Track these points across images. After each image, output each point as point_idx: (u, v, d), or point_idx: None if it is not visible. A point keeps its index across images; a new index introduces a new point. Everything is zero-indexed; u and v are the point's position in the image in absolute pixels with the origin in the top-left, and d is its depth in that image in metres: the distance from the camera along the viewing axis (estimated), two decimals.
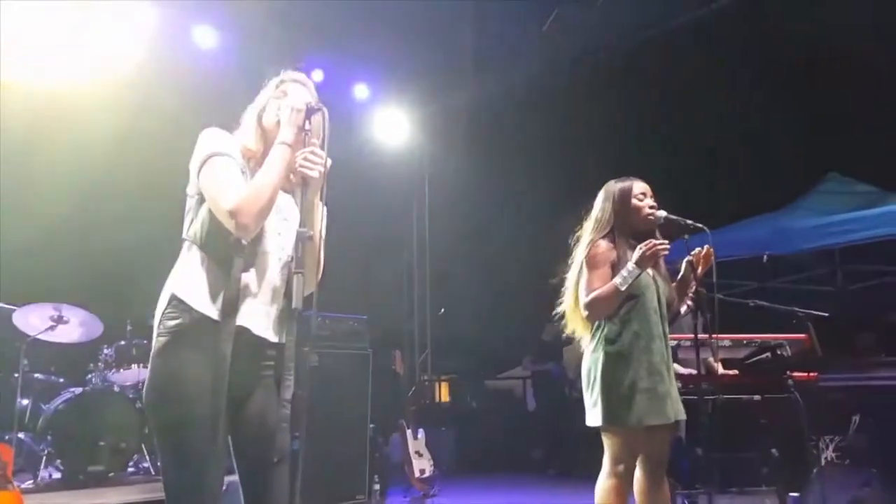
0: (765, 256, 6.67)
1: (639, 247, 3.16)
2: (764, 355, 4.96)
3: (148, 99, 6.94)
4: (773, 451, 4.90)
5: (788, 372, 4.81)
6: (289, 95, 2.36)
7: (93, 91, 6.77)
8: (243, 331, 2.14)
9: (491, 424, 9.32)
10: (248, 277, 2.18)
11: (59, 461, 4.94)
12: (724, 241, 7.24)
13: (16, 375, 5.10)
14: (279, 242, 2.28)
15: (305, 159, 2.16)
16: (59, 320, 5.31)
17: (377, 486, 6.42)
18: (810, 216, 6.87)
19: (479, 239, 13.19)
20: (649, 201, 3.42)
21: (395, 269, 10.76)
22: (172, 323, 2.11)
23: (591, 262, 3.31)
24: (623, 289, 3.16)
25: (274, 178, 2.15)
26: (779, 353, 4.90)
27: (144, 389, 2.14)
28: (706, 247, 3.51)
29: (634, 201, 3.40)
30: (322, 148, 2.21)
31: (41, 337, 5.26)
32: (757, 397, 4.67)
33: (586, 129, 11.90)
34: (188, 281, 2.17)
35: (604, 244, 3.33)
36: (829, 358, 6.59)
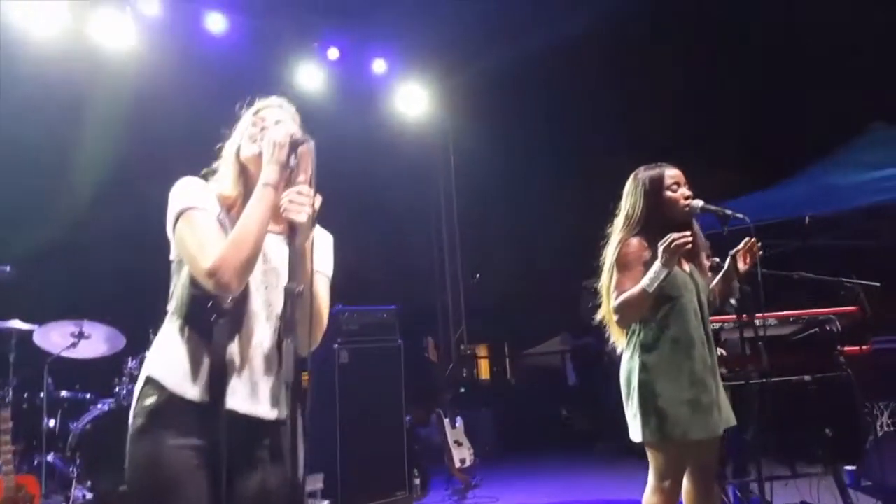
0: (807, 218, 6.34)
1: (659, 244, 2.89)
2: (812, 331, 4.71)
3: (163, 97, 6.74)
4: (827, 430, 4.66)
5: (839, 347, 4.56)
6: (268, 127, 2.07)
7: (105, 91, 6.62)
8: (226, 411, 1.90)
9: (532, 401, 9.16)
10: (233, 346, 1.93)
11: (89, 482, 4.88)
12: (765, 202, 6.97)
13: (41, 395, 5.03)
14: (265, 298, 2.01)
15: (291, 201, 1.87)
16: (81, 336, 5.22)
17: (417, 481, 6.31)
18: (853, 171, 6.52)
19: (509, 208, 12.99)
20: (684, 190, 3.12)
21: (425, 242, 10.57)
22: (148, 402, 1.90)
23: (622, 263, 3.05)
24: (651, 290, 2.90)
25: (256, 227, 1.88)
26: (828, 328, 4.64)
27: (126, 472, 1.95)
28: (750, 240, 3.22)
29: (668, 193, 3.10)
30: (310, 185, 1.92)
31: (64, 354, 5.18)
32: (807, 377, 4.39)
33: (612, 93, 11.60)
34: (166, 358, 1.94)
35: (635, 242, 3.06)
36: (880, 320, 6.33)
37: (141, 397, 1.92)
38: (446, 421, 6.49)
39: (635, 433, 3.02)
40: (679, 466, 3.02)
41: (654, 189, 3.11)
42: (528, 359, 11.36)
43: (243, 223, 1.89)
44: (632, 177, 3.24)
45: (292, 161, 1.95)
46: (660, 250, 2.86)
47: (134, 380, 5.31)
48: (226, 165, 2.09)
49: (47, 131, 6.33)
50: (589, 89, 11.48)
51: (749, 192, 7.59)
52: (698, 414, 2.92)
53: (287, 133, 1.97)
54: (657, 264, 2.88)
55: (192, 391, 1.88)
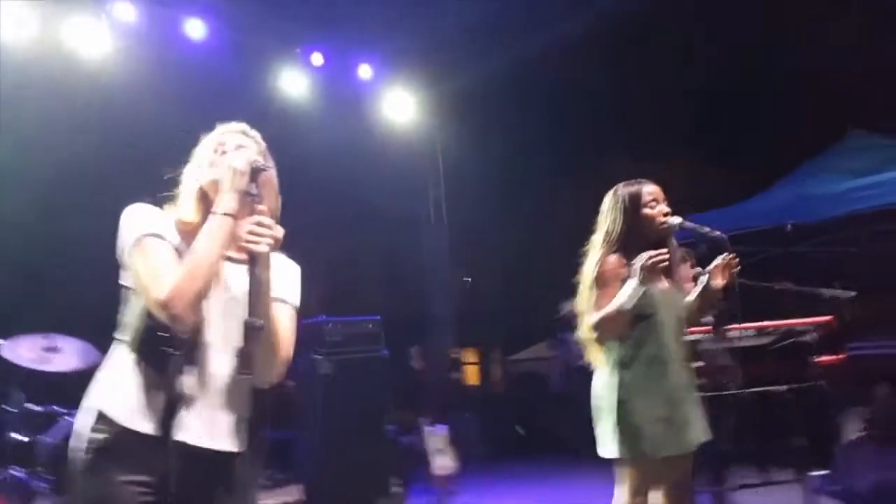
0: (788, 226, 6.38)
1: (635, 261, 2.90)
2: (788, 341, 4.74)
3: (140, 105, 6.69)
4: (800, 439, 4.69)
5: (814, 358, 4.60)
6: (228, 153, 1.98)
7: (79, 98, 6.58)
8: (180, 445, 1.82)
9: (518, 407, 9.18)
10: (189, 379, 1.85)
11: (58, 498, 4.80)
12: (747, 211, 7.02)
13: (7, 408, 4.96)
14: (224, 329, 1.91)
15: (251, 232, 1.79)
16: (53, 350, 5.16)
17: (399, 489, 6.32)
18: (834, 180, 6.57)
19: (499, 214, 13.00)
20: (662, 207, 3.11)
21: (414, 248, 10.56)
22: (98, 437, 1.82)
23: (601, 280, 3.05)
24: (628, 308, 2.92)
25: (210, 257, 1.80)
26: (803, 339, 4.67)
27: None
28: (727, 256, 3.21)
29: (646, 210, 3.09)
30: (271, 215, 1.86)
31: (37, 368, 5.12)
32: (783, 387, 4.42)
33: (603, 96, 11.64)
34: (117, 391, 1.86)
35: (613, 260, 3.05)
36: (857, 327, 6.37)
37: (89, 432, 1.85)
38: (429, 429, 6.48)
39: (606, 449, 3.03)
40: (648, 485, 3.02)
41: (633, 206, 3.11)
42: (516, 364, 11.36)
43: (197, 253, 1.81)
44: (611, 193, 3.23)
45: (253, 189, 1.87)
46: (636, 267, 2.88)
47: None
48: (185, 191, 2.00)
49: (18, 138, 6.27)
50: (579, 92, 11.51)
51: (738, 190, 7.66)
52: (671, 431, 2.94)
53: (247, 160, 1.89)
54: (633, 281, 2.89)
55: (144, 426, 1.81)
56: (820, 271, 7.68)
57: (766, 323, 4.69)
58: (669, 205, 3.17)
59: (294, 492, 5.66)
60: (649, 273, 2.88)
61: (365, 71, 8.84)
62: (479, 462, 7.88)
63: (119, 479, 1.79)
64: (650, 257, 2.85)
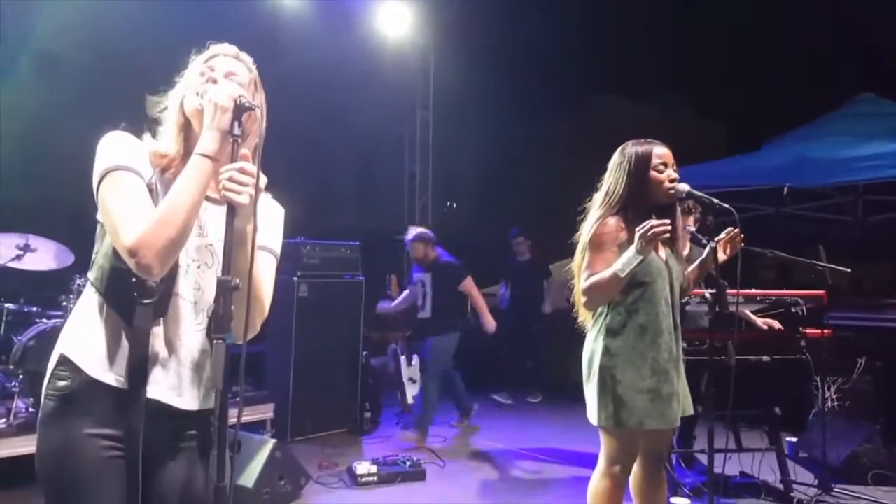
0: (785, 189, 6.24)
1: (637, 230, 2.74)
2: (778, 311, 4.68)
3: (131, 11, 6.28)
4: (777, 409, 4.70)
5: (802, 330, 4.55)
6: (217, 79, 1.81)
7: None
8: (147, 400, 1.71)
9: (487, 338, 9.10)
10: (157, 331, 1.72)
11: (31, 399, 4.74)
12: (746, 168, 6.86)
13: None
14: (196, 280, 1.78)
15: (231, 179, 1.62)
16: (27, 249, 5.01)
17: (368, 414, 6.31)
18: (837, 145, 6.38)
19: (487, 139, 12.73)
20: (670, 172, 2.93)
21: (396, 169, 10.29)
22: (61, 384, 1.70)
23: (596, 243, 2.90)
24: (623, 276, 2.78)
25: (187, 204, 1.63)
26: (793, 310, 4.60)
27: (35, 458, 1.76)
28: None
29: (653, 173, 2.92)
30: (253, 161, 1.67)
31: (9, 265, 4.98)
32: (765, 358, 4.37)
33: (604, 24, 11.29)
34: (82, 337, 1.73)
35: (612, 222, 2.90)
36: (840, 297, 6.35)
37: (53, 378, 1.72)
38: (402, 358, 6.44)
39: (592, 415, 2.96)
40: (631, 453, 2.99)
41: (640, 167, 2.93)
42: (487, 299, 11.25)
43: (173, 198, 1.64)
44: (619, 150, 3.05)
45: (236, 129, 1.68)
46: (636, 236, 2.73)
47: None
48: (168, 118, 1.82)
49: None
50: (579, 18, 11.15)
51: (735, 142, 7.49)
52: (657, 403, 2.86)
53: (230, 95, 1.69)
54: (631, 250, 2.74)
55: (109, 376, 1.69)
56: (808, 235, 7.65)
57: (757, 291, 4.61)
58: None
59: (262, 410, 5.60)
60: (650, 243, 2.72)
61: None
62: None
63: (82, 431, 1.68)
64: (652, 226, 2.69)
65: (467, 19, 9.93)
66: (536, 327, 8.20)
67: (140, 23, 6.20)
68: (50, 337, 4.91)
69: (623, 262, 2.77)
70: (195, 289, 1.78)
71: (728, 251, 3.15)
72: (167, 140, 1.79)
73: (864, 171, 5.93)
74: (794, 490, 4.54)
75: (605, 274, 2.82)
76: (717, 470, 3.52)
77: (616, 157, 3.04)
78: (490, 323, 6.31)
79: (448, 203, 10.75)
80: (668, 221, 2.74)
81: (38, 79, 6.20)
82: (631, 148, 3.00)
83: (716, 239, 3.11)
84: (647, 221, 2.72)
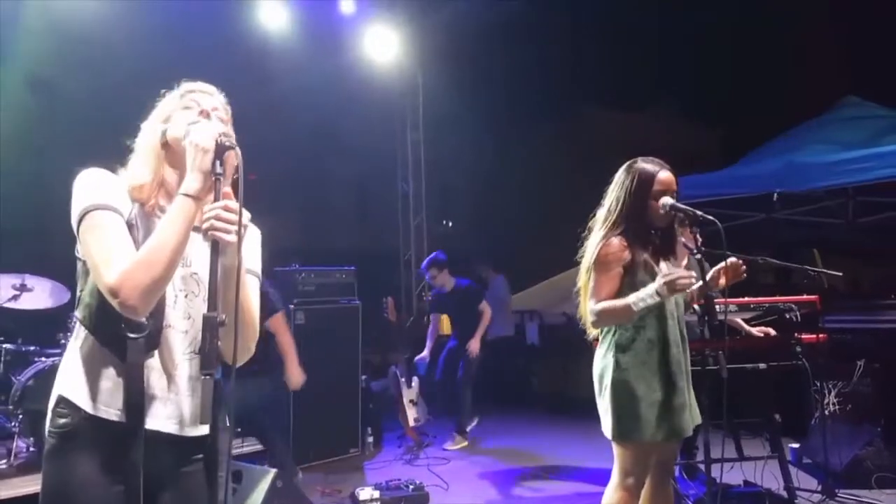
0: (775, 195, 6.29)
1: (661, 275, 2.82)
2: (771, 318, 4.70)
3: (114, 39, 6.34)
4: (777, 416, 4.71)
5: (797, 335, 4.56)
6: (205, 110, 1.85)
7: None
8: (147, 432, 1.74)
9: (493, 357, 9.08)
10: (152, 363, 1.74)
11: (31, 439, 4.75)
12: (735, 177, 6.92)
13: None
14: (185, 310, 1.80)
15: (217, 218, 1.64)
16: (23, 288, 5.05)
17: (370, 438, 6.30)
18: (825, 150, 6.45)
19: (478, 157, 12.80)
20: (665, 199, 2.95)
21: (389, 192, 10.33)
22: (61, 422, 1.73)
23: (601, 263, 2.96)
24: (637, 310, 2.84)
25: (172, 245, 1.64)
26: (787, 316, 4.63)
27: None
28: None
29: (651, 202, 2.96)
30: (236, 197, 1.68)
31: (5, 305, 5.00)
32: (762, 365, 4.38)
33: (591, 40, 11.39)
34: (77, 375, 1.75)
35: (616, 243, 2.95)
36: (835, 300, 6.37)
37: (54, 416, 1.76)
38: (402, 380, 6.44)
39: (606, 429, 3.01)
40: (644, 465, 3.02)
41: (640, 192, 2.98)
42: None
43: (157, 238, 1.64)
44: (626, 166, 3.08)
45: (217, 168, 1.69)
46: (659, 281, 2.79)
47: None
48: (142, 151, 1.83)
49: None
50: (567, 35, 11.25)
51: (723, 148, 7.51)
52: (668, 415, 2.91)
53: (211, 136, 1.70)
54: (651, 289, 2.81)
55: (107, 412, 1.71)
56: (801, 240, 7.68)
57: (750, 299, 4.64)
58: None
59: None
60: (671, 293, 2.81)
61: (347, 5, 8.47)
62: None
63: (81, 468, 1.71)
64: (675, 279, 2.77)
65: (455, 41, 10.01)
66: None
67: (134, 50, 6.27)
68: (48, 375, 4.93)
69: (640, 298, 2.83)
70: (185, 318, 1.80)
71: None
72: (140, 167, 1.80)
73: (853, 174, 5.98)
74: (798, 496, 4.54)
75: (619, 303, 2.88)
76: (718, 479, 3.55)
77: (621, 175, 3.09)
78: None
79: (444, 222, 10.77)
80: (693, 274, 2.84)
81: (33, 109, 6.24)
82: (636, 168, 3.04)
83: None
84: (675, 271, 2.82)
